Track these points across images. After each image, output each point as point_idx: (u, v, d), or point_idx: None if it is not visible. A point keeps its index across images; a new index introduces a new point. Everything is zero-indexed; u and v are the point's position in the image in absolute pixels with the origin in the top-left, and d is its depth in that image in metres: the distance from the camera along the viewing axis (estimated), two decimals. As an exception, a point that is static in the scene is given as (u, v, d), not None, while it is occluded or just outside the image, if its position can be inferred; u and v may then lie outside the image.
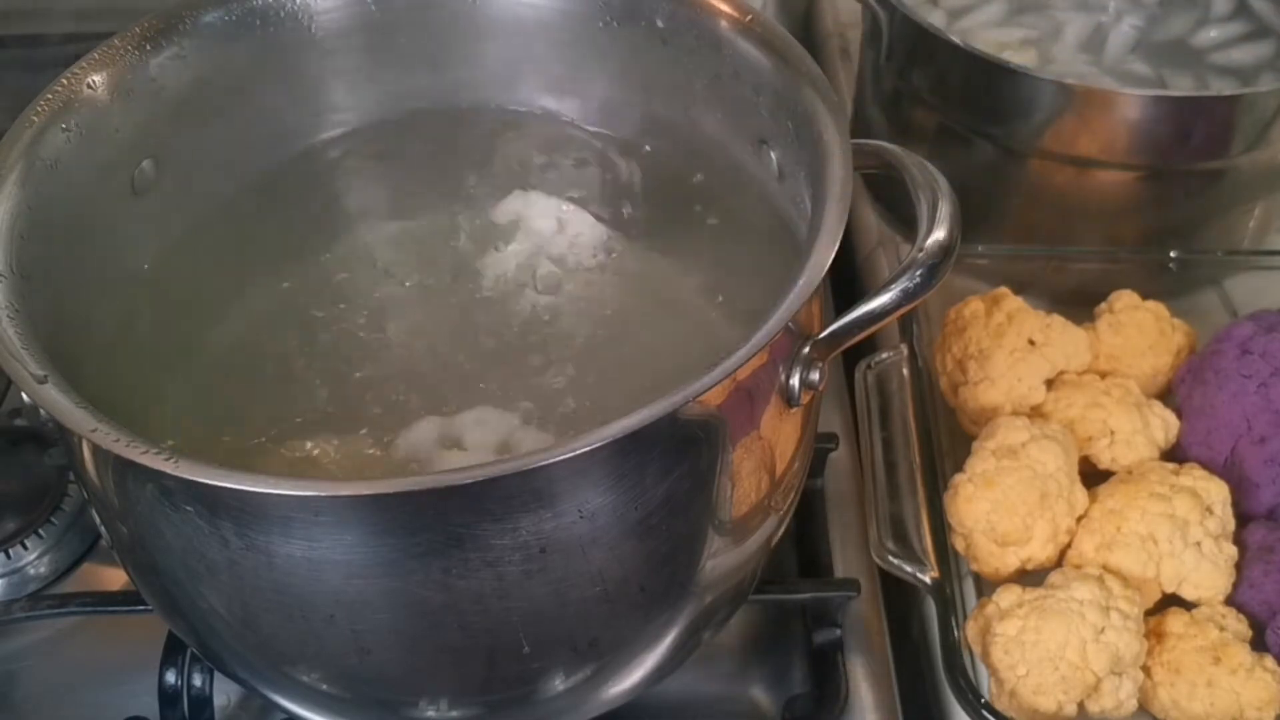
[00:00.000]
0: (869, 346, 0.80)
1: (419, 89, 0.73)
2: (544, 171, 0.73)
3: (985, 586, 0.71)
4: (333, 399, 0.62)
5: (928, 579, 0.67)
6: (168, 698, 0.66)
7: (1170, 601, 0.68)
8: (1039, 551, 0.69)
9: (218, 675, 0.67)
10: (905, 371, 0.77)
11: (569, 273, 0.68)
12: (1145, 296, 0.80)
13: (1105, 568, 0.67)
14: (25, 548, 0.74)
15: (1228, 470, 0.72)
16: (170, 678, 0.66)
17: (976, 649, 0.66)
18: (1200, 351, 0.78)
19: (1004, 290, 0.80)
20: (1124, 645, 0.62)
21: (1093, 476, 0.72)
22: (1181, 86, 0.87)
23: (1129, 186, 0.86)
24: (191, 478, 0.43)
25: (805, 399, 0.53)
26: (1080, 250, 0.88)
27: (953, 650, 0.64)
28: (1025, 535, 0.68)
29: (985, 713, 0.62)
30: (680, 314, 0.67)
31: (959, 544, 0.70)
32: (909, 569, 0.67)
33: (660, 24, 0.66)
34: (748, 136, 0.65)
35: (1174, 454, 0.75)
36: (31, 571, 0.74)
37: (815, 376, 0.53)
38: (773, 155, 0.64)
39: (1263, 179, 0.87)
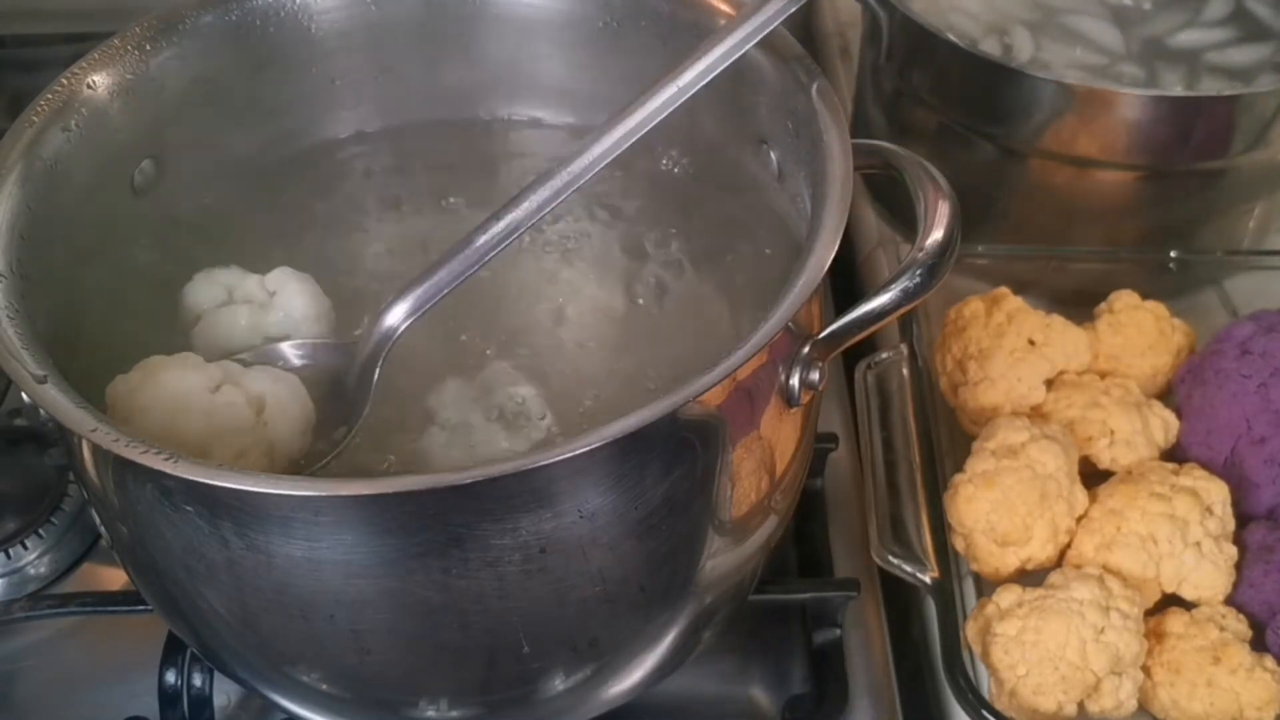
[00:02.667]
0: (869, 346, 0.80)
1: (419, 89, 0.73)
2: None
3: (985, 586, 0.71)
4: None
5: (928, 579, 0.67)
6: (168, 698, 0.66)
7: (1170, 601, 0.68)
8: (1039, 551, 0.69)
9: (218, 675, 0.67)
10: (905, 371, 0.77)
11: (575, 274, 0.68)
12: (1145, 296, 0.80)
13: (1105, 568, 0.67)
14: (25, 548, 0.74)
15: (1228, 470, 0.72)
16: (170, 678, 0.66)
17: (976, 649, 0.66)
18: (1200, 351, 0.78)
19: (1004, 290, 0.80)
20: (1124, 645, 0.62)
21: (1093, 476, 0.72)
22: (1176, 84, 0.87)
23: (1129, 186, 0.86)
24: (191, 478, 0.43)
25: (805, 399, 0.53)
26: (1080, 250, 0.88)
27: (953, 650, 0.64)
28: (1025, 535, 0.68)
29: (985, 713, 0.62)
30: (680, 314, 0.67)
31: (959, 544, 0.70)
32: (909, 569, 0.67)
33: (660, 24, 0.66)
34: (748, 136, 0.65)
35: (1174, 454, 0.75)
36: (31, 571, 0.74)
37: (815, 376, 0.53)
38: (773, 155, 0.64)
39: (1263, 179, 0.87)
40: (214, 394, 0.54)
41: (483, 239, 0.55)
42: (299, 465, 0.56)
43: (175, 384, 0.54)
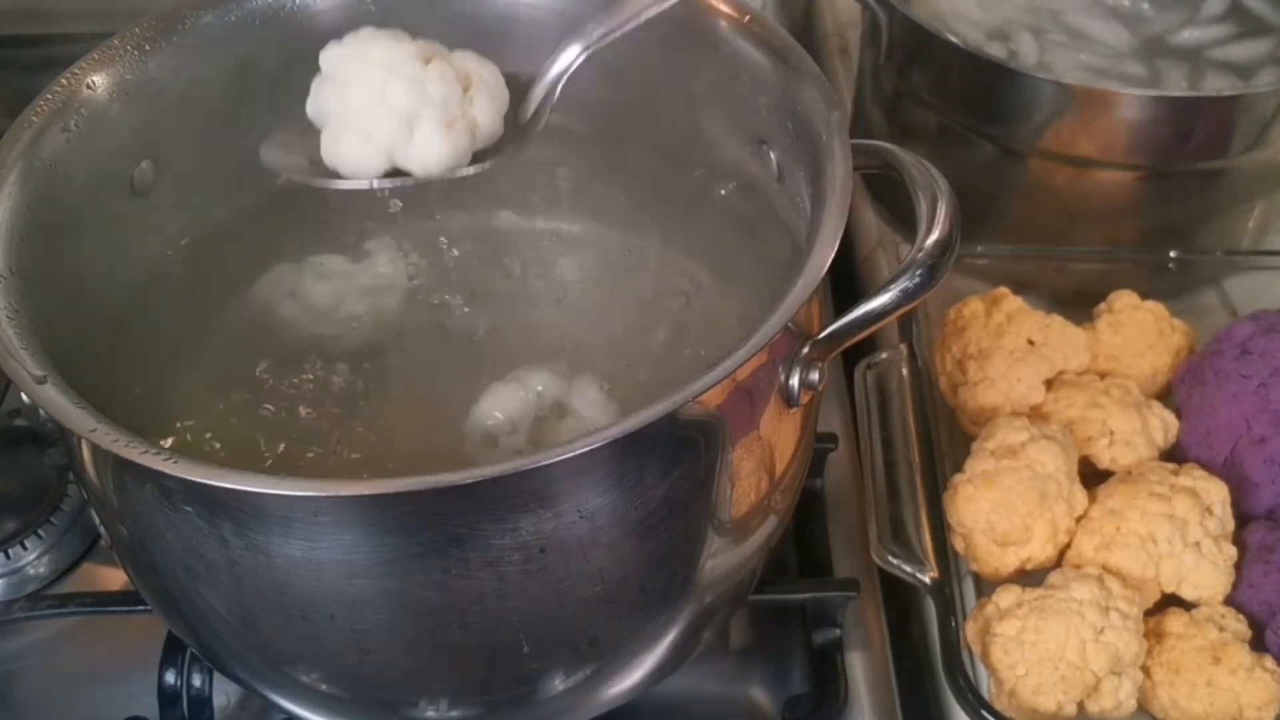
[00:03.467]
0: (869, 346, 0.80)
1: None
2: (540, 174, 0.73)
3: (985, 586, 0.71)
4: (329, 399, 0.62)
5: (927, 579, 0.67)
6: (167, 698, 0.66)
7: (1170, 601, 0.68)
8: (1038, 551, 0.69)
9: (217, 675, 0.67)
10: (905, 371, 0.77)
11: (572, 275, 0.68)
12: (1145, 296, 0.80)
13: (1105, 568, 0.67)
14: (25, 548, 0.74)
15: (1227, 470, 0.72)
16: (170, 678, 0.66)
17: (976, 649, 0.66)
18: (1200, 351, 0.78)
19: (1004, 290, 0.80)
20: (1123, 645, 0.62)
21: (1092, 476, 0.72)
22: (1178, 83, 0.87)
23: (1129, 186, 0.86)
24: (191, 478, 0.43)
25: (805, 399, 0.53)
26: (1080, 250, 0.88)
27: (952, 650, 0.64)
28: (1025, 535, 0.68)
29: (985, 713, 0.62)
30: (679, 314, 0.67)
31: (959, 544, 0.70)
32: (909, 569, 0.67)
33: (659, 24, 0.66)
34: (748, 136, 0.65)
35: (1173, 454, 0.75)
36: (31, 571, 0.74)
37: (815, 376, 0.53)
38: (773, 155, 0.64)
39: (1263, 179, 0.88)
40: (426, 64, 0.56)
41: None
42: (481, 154, 0.59)
43: (387, 51, 0.56)
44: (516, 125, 0.61)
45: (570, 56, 0.59)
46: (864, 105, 1.00)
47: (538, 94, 0.60)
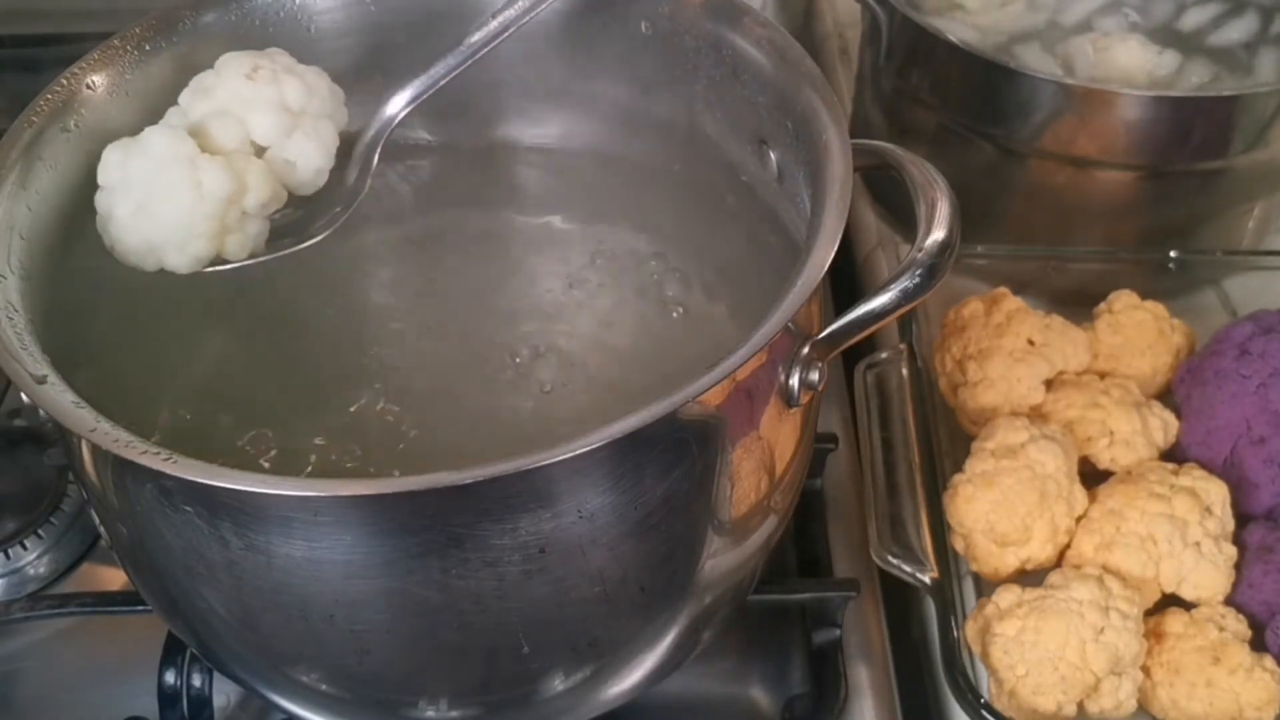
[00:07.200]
0: (869, 346, 0.80)
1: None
2: (542, 174, 0.73)
3: (985, 586, 0.71)
4: (330, 400, 0.62)
5: (927, 579, 0.67)
6: (167, 698, 0.66)
7: (1170, 601, 0.68)
8: (1038, 551, 0.69)
9: (217, 675, 0.67)
10: (905, 371, 0.77)
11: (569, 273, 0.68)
12: (1145, 296, 0.80)
13: (1105, 568, 0.67)
14: (25, 548, 0.74)
15: (1227, 470, 0.72)
16: (170, 678, 0.66)
17: (976, 649, 0.66)
18: (1199, 352, 0.78)
19: (1003, 290, 0.80)
20: (1123, 645, 0.62)
21: (1092, 477, 0.72)
22: (1187, 76, 0.87)
23: (1129, 186, 0.86)
24: (191, 478, 0.43)
25: (805, 399, 0.53)
26: (1080, 250, 0.88)
27: (952, 650, 0.64)
28: (1024, 535, 0.68)
29: (985, 713, 0.62)
30: (680, 314, 0.67)
31: (958, 544, 0.70)
32: (909, 569, 0.67)
33: (660, 24, 0.66)
34: (748, 136, 0.65)
35: (1173, 454, 0.75)
36: (31, 571, 0.74)
37: (815, 376, 0.53)
38: (773, 155, 0.64)
39: (1262, 179, 0.88)
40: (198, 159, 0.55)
41: (476, 37, 0.61)
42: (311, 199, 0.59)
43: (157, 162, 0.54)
44: (345, 183, 0.61)
45: (395, 108, 0.61)
46: (864, 105, 1.00)
47: (360, 152, 0.61)
